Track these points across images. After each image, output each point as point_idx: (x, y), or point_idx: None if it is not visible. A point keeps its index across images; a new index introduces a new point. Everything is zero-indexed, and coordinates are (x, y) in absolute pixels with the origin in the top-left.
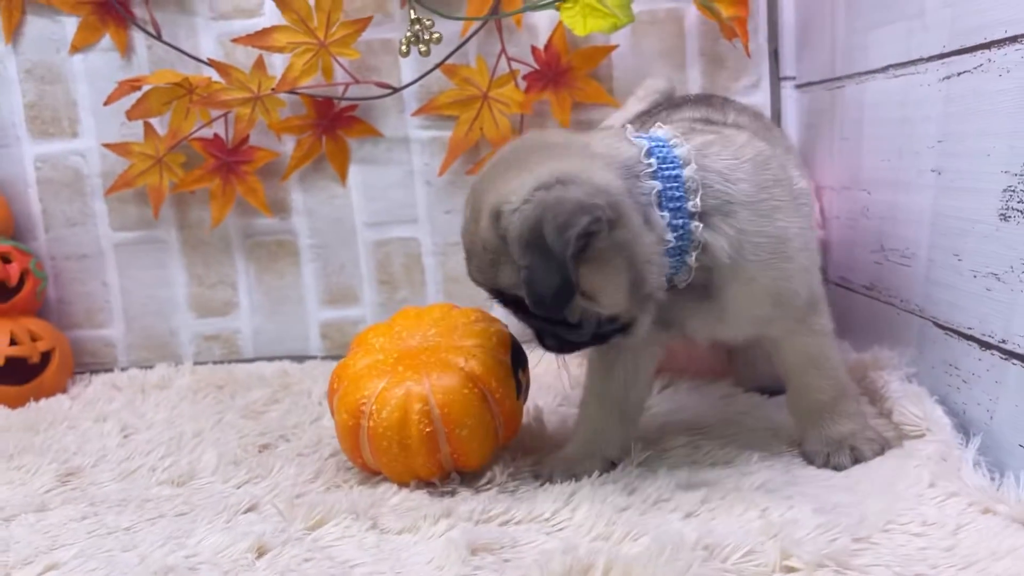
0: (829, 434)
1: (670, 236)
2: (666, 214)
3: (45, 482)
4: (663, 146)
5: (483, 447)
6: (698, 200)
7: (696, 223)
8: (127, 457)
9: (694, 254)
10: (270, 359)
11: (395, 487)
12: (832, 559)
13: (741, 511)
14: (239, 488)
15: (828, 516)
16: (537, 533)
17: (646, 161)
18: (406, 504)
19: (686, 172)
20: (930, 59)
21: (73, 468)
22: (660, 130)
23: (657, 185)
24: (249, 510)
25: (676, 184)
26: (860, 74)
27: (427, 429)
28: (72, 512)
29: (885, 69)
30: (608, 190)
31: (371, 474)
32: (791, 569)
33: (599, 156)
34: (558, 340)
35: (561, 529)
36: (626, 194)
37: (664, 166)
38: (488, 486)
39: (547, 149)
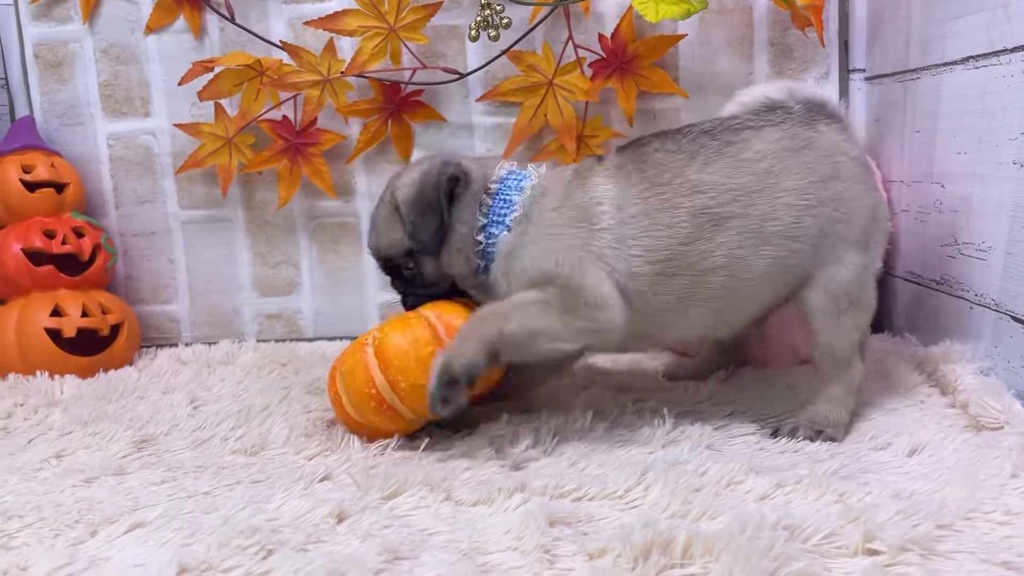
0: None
1: (481, 238)
2: (483, 219)
3: (121, 448)
4: (516, 175)
5: None
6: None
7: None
8: (198, 427)
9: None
10: (330, 339)
11: (466, 461)
12: (916, 544)
13: (817, 495)
14: (311, 459)
15: (908, 502)
16: (611, 509)
17: (495, 186)
18: (478, 477)
19: (515, 198)
20: (1014, 50)
21: (147, 436)
22: (532, 165)
23: (490, 201)
24: (324, 479)
25: (507, 204)
26: (937, 66)
27: (425, 323)
28: (151, 476)
29: (964, 60)
30: (468, 167)
31: (404, 435)
32: (874, 552)
33: (477, 162)
34: (417, 298)
35: (636, 507)
36: (479, 184)
37: (504, 191)
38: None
39: (442, 154)
